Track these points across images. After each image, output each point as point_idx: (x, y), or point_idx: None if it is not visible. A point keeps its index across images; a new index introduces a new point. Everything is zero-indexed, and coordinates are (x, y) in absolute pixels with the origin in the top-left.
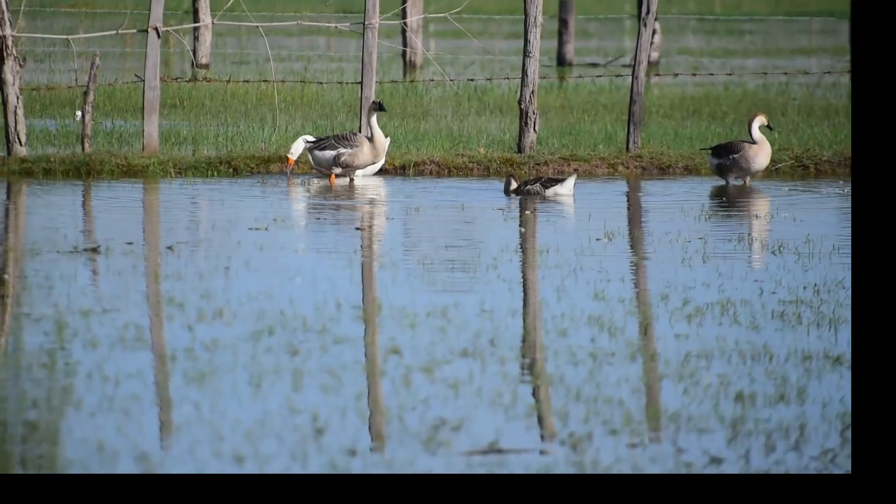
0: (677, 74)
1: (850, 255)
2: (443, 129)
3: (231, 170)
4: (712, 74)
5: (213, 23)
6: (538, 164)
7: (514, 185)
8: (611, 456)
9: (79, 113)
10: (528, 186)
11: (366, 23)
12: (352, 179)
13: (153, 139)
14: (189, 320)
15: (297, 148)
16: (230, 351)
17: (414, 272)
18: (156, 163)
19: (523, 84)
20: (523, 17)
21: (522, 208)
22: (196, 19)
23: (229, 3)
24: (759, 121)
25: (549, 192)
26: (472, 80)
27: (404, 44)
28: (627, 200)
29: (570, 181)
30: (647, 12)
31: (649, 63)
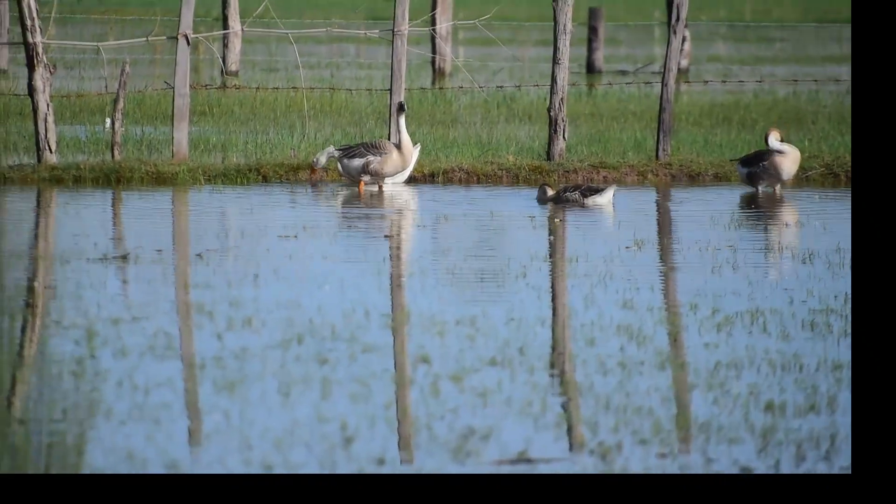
0: (707, 82)
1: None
2: (472, 137)
3: (260, 177)
4: (742, 82)
5: (242, 30)
6: (567, 172)
7: (549, 192)
8: (640, 466)
9: (108, 121)
10: (567, 194)
11: (395, 30)
12: (380, 187)
13: (182, 146)
14: (218, 328)
15: (322, 158)
16: (259, 359)
17: (443, 280)
18: (185, 170)
19: (552, 91)
20: (553, 24)
21: (552, 216)
22: (225, 26)
23: (259, 10)
24: (774, 136)
25: (589, 201)
26: (500, 87)
27: (433, 51)
28: (657, 208)
29: (610, 191)
30: (677, 19)
31: (679, 70)
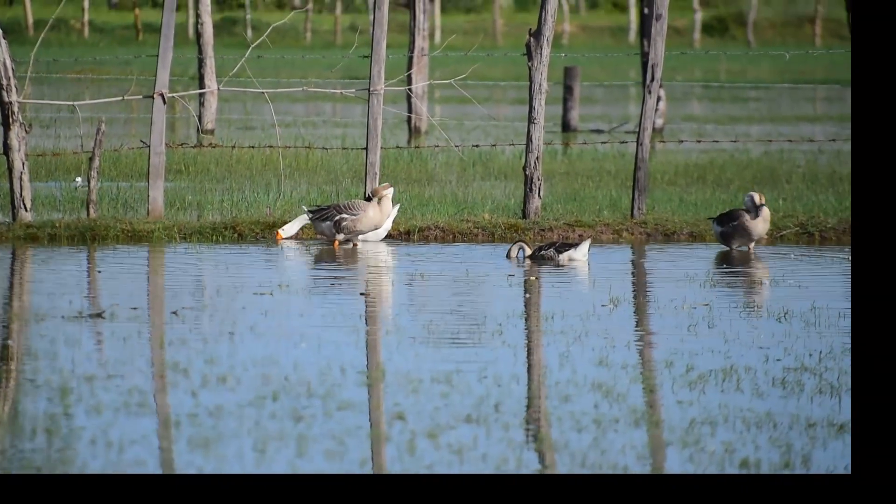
0: (682, 141)
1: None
2: (447, 195)
3: (236, 235)
4: (717, 141)
5: (218, 89)
6: (543, 230)
7: (527, 251)
8: None
9: (78, 179)
10: (542, 252)
11: (371, 89)
12: (355, 244)
13: (158, 204)
14: (193, 386)
15: (292, 228)
16: (234, 417)
17: (418, 338)
18: (161, 228)
19: (528, 150)
20: (528, 83)
21: (527, 274)
22: (202, 85)
23: (235, 70)
24: (756, 197)
25: (563, 256)
26: (476, 146)
27: (409, 110)
28: (632, 266)
29: (585, 246)
30: (652, 80)
31: (654, 129)
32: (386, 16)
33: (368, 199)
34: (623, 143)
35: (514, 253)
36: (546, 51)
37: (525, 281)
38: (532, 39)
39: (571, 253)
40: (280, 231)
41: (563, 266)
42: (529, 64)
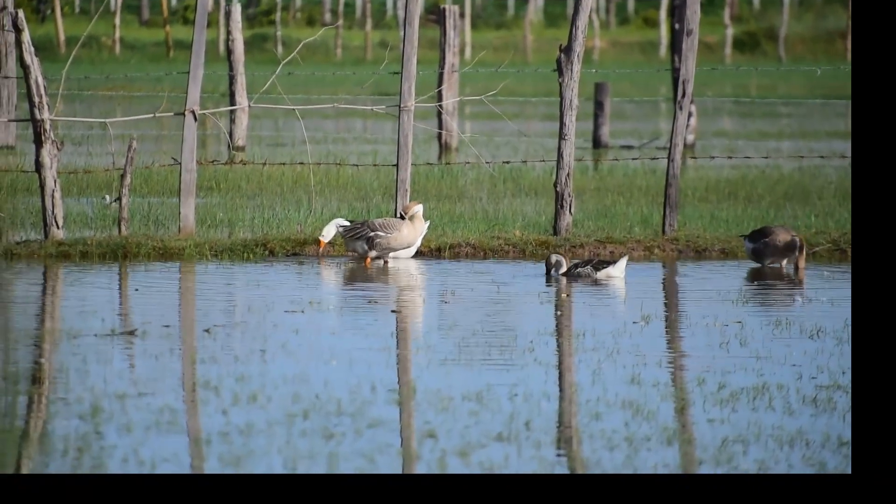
0: (713, 157)
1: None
2: (478, 212)
3: (267, 252)
4: (749, 157)
5: (249, 106)
6: (574, 247)
7: (564, 267)
8: None
9: (107, 197)
10: (579, 269)
11: (401, 105)
12: (386, 262)
13: (189, 221)
14: (224, 404)
15: (330, 231)
16: (265, 435)
17: (449, 355)
18: (192, 245)
19: (559, 167)
20: (559, 99)
21: (559, 291)
22: (232, 102)
23: (266, 86)
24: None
25: (601, 273)
26: (507, 162)
27: (440, 126)
28: (664, 284)
29: (622, 262)
30: (683, 95)
31: (685, 145)
32: (416, 32)
33: (402, 218)
34: (654, 159)
35: (553, 260)
36: (576, 66)
37: (556, 298)
38: (562, 55)
39: (610, 270)
40: (321, 237)
41: (599, 283)
42: (560, 80)
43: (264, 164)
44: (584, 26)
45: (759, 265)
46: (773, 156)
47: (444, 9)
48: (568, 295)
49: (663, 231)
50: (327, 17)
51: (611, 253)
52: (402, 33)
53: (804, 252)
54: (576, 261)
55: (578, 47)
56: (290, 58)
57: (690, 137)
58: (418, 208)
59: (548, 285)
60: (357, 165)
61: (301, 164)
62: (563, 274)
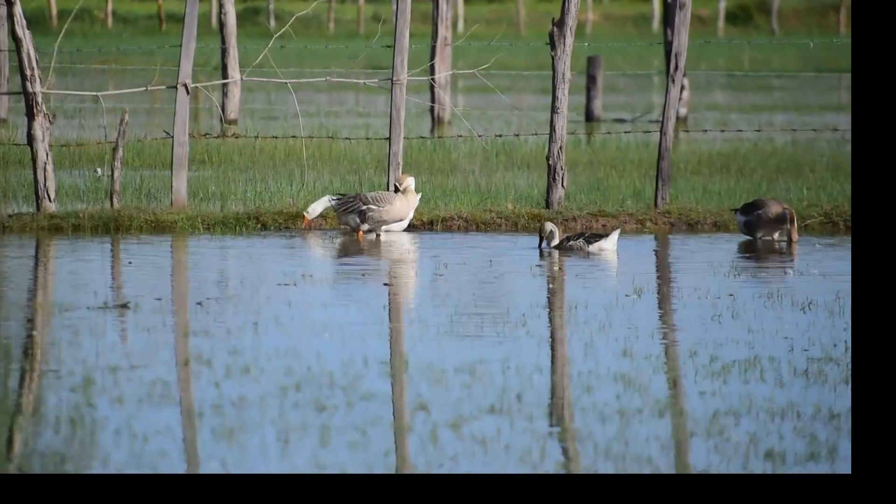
0: (706, 130)
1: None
2: (470, 185)
3: (259, 225)
4: (741, 131)
5: (241, 79)
6: (566, 220)
7: (556, 239)
8: None
9: (98, 170)
10: (571, 242)
11: (394, 79)
12: (378, 235)
13: (181, 195)
14: (217, 377)
15: (316, 209)
16: (257, 407)
17: (442, 328)
18: (184, 218)
19: (551, 140)
20: (551, 73)
21: (551, 264)
22: (225, 76)
23: (258, 60)
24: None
25: (594, 247)
26: (499, 135)
27: (432, 100)
28: (656, 257)
29: (614, 236)
30: (676, 69)
31: (678, 119)
32: (409, 6)
33: (396, 190)
34: (647, 132)
35: (548, 229)
36: (569, 40)
37: (548, 272)
38: (555, 29)
39: (602, 243)
40: (305, 213)
41: (592, 256)
42: (553, 53)
43: (256, 137)
44: (578, 0)
45: (750, 238)
46: (766, 129)
47: None
48: (560, 268)
49: (655, 204)
50: None
51: (603, 226)
52: (394, 6)
53: (796, 224)
54: (568, 234)
55: (571, 21)
56: (282, 31)
57: (683, 111)
58: (410, 181)
59: (541, 259)
60: (349, 139)
61: (293, 137)
62: (556, 246)
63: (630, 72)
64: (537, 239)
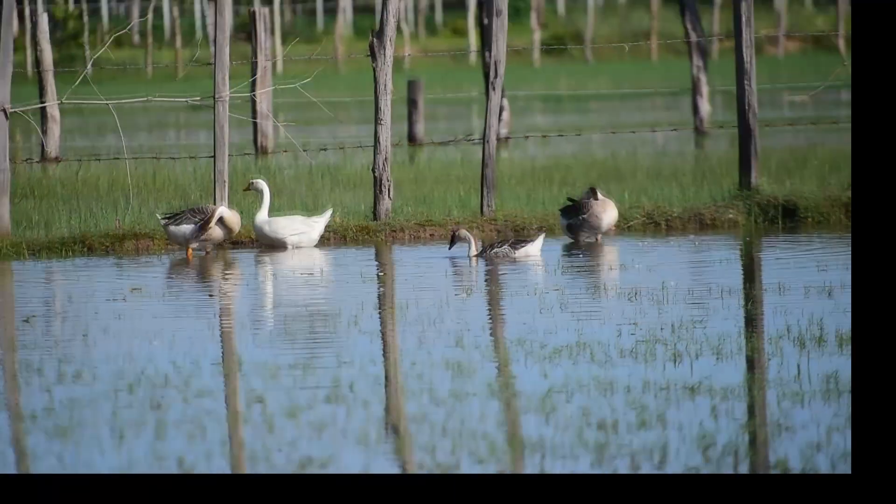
0: (528, 136)
1: (704, 297)
2: (297, 204)
3: (86, 248)
4: (562, 135)
5: (61, 101)
6: (394, 230)
7: (474, 248)
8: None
9: None
10: (496, 250)
11: (216, 96)
12: (208, 251)
13: (4, 221)
14: (48, 383)
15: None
16: (91, 408)
17: (275, 331)
18: (8, 245)
19: (376, 151)
20: (373, 84)
21: (380, 269)
22: (43, 111)
23: (76, 83)
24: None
25: (520, 252)
26: (324, 149)
27: (253, 115)
28: (484, 259)
29: (539, 240)
30: (496, 76)
31: (498, 139)
32: (228, 21)
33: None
34: (472, 143)
35: (462, 234)
36: (389, 51)
37: (378, 275)
38: (375, 40)
39: (528, 248)
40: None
41: (518, 262)
42: (374, 64)
43: (80, 160)
44: (396, 10)
45: (574, 240)
46: (587, 133)
47: (253, 11)
48: (383, 272)
49: (482, 212)
50: (136, 38)
51: (431, 235)
52: (212, 33)
53: (598, 194)
54: (491, 241)
55: (391, 31)
56: (100, 51)
57: (504, 131)
58: (222, 210)
59: (380, 269)
60: (174, 158)
61: (116, 159)
62: (477, 255)
63: (451, 94)
64: (450, 240)
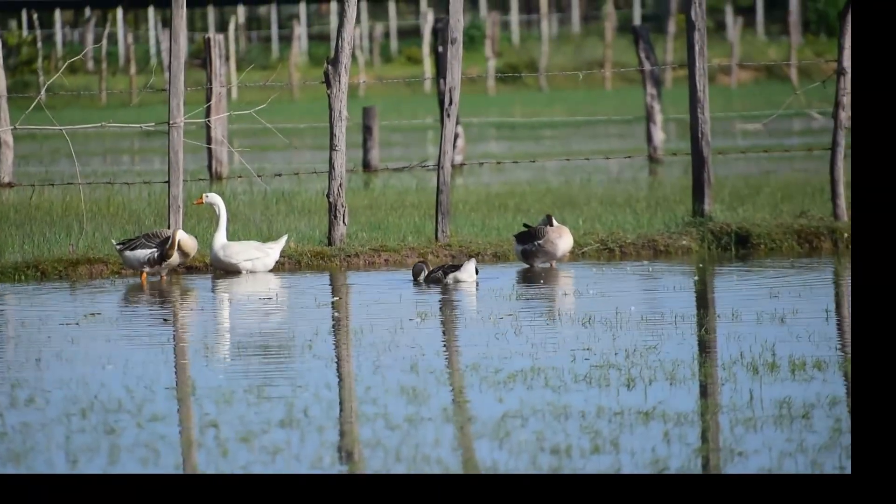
0: (482, 163)
1: (658, 323)
2: (252, 230)
3: (39, 273)
4: (517, 162)
5: (14, 127)
6: (349, 256)
7: (424, 272)
8: None
9: None
10: (435, 274)
11: (170, 122)
12: (162, 276)
13: None
14: (0, 408)
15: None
16: (44, 433)
17: (228, 356)
18: None
19: (331, 177)
20: (328, 111)
21: (334, 294)
22: None
23: (29, 109)
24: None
25: (449, 278)
26: (279, 174)
27: (208, 141)
28: (440, 285)
29: (470, 266)
30: (451, 103)
31: (453, 166)
32: (183, 49)
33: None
34: (426, 172)
35: (418, 268)
36: (344, 78)
37: (332, 301)
38: (330, 67)
39: (457, 275)
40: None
41: (450, 288)
42: (329, 91)
43: (33, 185)
44: (351, 37)
45: (528, 266)
46: (541, 160)
47: (208, 38)
48: (340, 297)
49: (436, 237)
50: (90, 64)
51: (385, 261)
52: (167, 59)
53: (554, 221)
54: (433, 267)
55: (346, 59)
56: (56, 76)
57: (458, 158)
58: (180, 234)
59: (422, 289)
60: (128, 183)
61: (70, 184)
62: (426, 280)
63: (406, 121)
64: (412, 275)
